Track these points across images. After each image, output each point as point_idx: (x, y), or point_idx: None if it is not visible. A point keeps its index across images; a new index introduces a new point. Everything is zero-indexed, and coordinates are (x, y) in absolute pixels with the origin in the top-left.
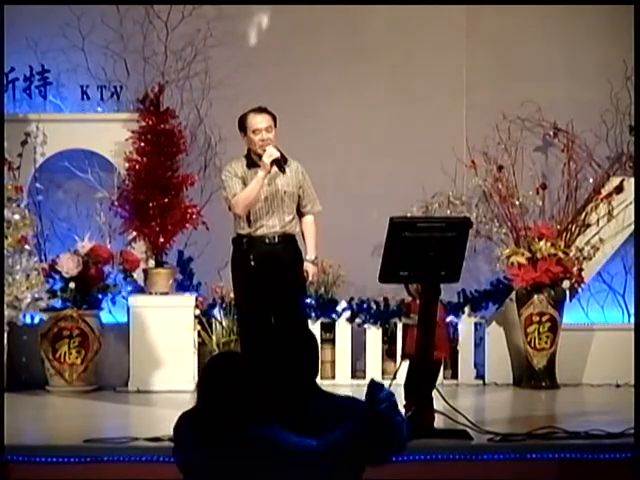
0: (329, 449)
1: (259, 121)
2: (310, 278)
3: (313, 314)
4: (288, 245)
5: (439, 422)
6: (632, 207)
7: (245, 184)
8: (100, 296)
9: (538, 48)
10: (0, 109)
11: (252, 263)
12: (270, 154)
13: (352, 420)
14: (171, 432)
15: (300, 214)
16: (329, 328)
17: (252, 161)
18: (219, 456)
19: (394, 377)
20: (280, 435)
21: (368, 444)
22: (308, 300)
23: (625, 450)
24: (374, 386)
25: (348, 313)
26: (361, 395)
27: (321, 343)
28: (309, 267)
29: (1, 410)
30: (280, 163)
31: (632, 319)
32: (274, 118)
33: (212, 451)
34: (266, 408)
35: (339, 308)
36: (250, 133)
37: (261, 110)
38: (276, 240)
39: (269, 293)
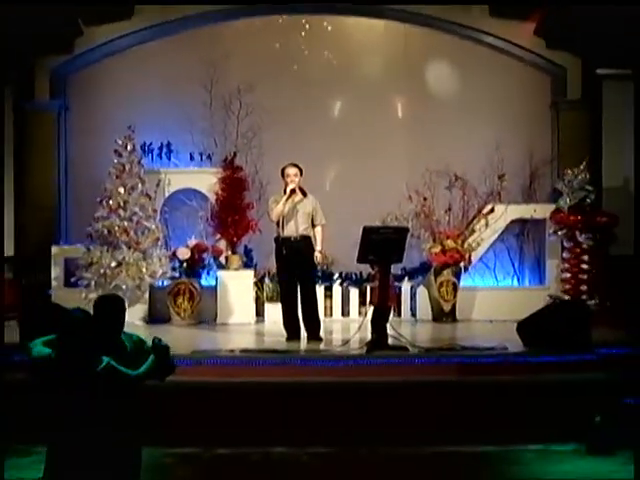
0: (140, 376)
1: (291, 171)
2: (319, 261)
3: (320, 281)
4: (305, 242)
5: (390, 341)
6: (500, 221)
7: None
8: (200, 271)
9: (449, 129)
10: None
11: (284, 252)
12: (290, 188)
13: (149, 356)
14: (240, 346)
15: (313, 225)
16: (329, 289)
17: (285, 193)
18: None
19: (365, 315)
20: (116, 367)
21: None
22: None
23: (495, 357)
24: (157, 339)
25: (339, 280)
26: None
27: (324, 298)
28: (318, 255)
29: None
30: (295, 192)
31: (499, 284)
32: (300, 170)
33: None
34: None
35: (334, 278)
36: (286, 177)
37: (293, 165)
38: (298, 239)
39: (294, 269)
